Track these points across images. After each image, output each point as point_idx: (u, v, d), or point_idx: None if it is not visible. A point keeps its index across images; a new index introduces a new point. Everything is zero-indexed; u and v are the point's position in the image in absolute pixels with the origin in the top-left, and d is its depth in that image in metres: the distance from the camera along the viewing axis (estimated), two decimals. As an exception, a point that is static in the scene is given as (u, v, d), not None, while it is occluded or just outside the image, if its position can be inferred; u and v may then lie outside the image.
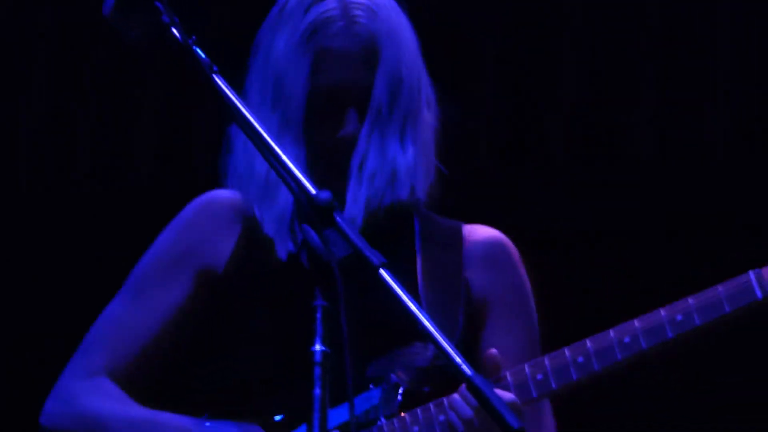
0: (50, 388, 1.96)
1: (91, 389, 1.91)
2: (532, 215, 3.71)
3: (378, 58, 1.91)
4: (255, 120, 1.49)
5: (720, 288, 1.83)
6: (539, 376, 1.83)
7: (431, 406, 1.83)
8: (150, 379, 1.94)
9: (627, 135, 4.21)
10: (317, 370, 1.44)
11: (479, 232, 2.04)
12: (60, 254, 4.95)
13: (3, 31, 5.10)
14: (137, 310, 1.94)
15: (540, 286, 2.04)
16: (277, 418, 1.83)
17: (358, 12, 1.91)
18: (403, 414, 1.82)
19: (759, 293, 1.82)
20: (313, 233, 1.52)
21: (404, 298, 1.42)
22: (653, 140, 4.20)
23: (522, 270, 2.02)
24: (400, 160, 1.91)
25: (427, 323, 1.41)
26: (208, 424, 1.84)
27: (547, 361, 1.84)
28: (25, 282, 4.99)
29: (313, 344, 1.44)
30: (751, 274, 1.82)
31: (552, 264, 2.37)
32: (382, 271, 1.42)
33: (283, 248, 1.84)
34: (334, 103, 1.92)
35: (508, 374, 1.81)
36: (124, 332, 1.93)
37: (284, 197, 1.84)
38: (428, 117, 1.99)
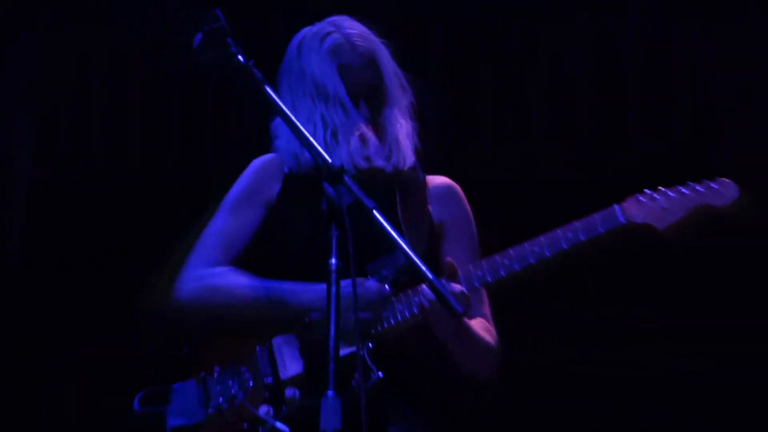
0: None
1: (216, 272, 2.75)
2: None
3: (379, 65, 2.82)
4: (293, 116, 2.32)
5: (596, 215, 2.66)
6: (479, 273, 2.66)
7: (409, 291, 2.66)
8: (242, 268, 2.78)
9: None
10: (332, 276, 2.25)
11: (437, 180, 2.95)
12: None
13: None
14: (234, 223, 2.82)
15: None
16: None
17: (356, 39, 2.82)
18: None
19: (622, 218, 2.65)
20: (329, 187, 2.29)
21: (388, 229, 2.24)
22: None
23: (466, 204, 2.93)
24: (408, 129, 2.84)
25: (403, 245, 2.23)
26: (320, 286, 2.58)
27: (484, 263, 2.67)
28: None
29: (330, 258, 2.25)
30: (616, 206, 2.66)
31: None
32: (374, 212, 2.23)
33: (309, 197, 2.67)
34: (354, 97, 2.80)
35: (459, 272, 2.64)
36: (229, 236, 2.80)
37: (309, 163, 2.68)
38: (406, 99, 2.86)
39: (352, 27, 2.84)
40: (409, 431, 2.70)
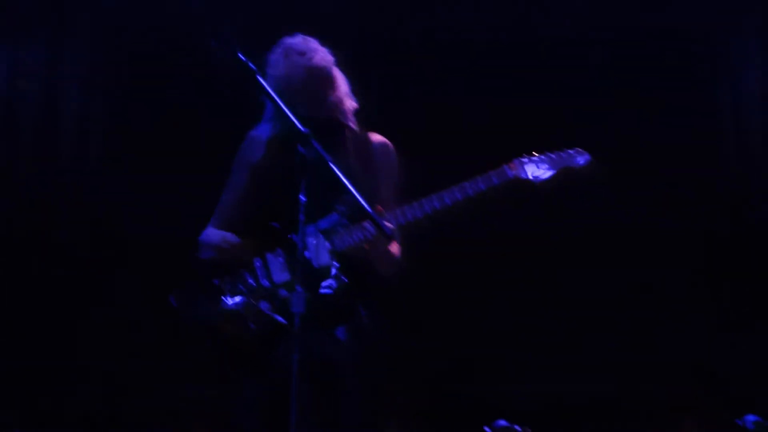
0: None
1: (214, 232, 3.87)
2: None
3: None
4: (276, 97, 3.34)
5: (492, 172, 3.66)
6: (402, 212, 3.64)
7: (363, 224, 3.59)
8: (238, 226, 3.82)
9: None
10: (301, 208, 3.23)
11: (376, 136, 3.91)
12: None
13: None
14: (229, 195, 3.90)
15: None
16: (277, 225, 3.64)
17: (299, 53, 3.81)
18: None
19: (510, 174, 3.67)
20: (301, 148, 3.24)
21: (343, 179, 3.25)
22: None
23: (395, 158, 3.89)
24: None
25: (352, 189, 3.24)
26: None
27: (406, 208, 3.64)
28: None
29: (298, 197, 3.22)
30: (505, 166, 3.68)
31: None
32: (330, 165, 3.24)
33: (284, 152, 3.67)
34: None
35: (389, 214, 3.62)
36: (226, 206, 3.90)
37: (285, 129, 3.68)
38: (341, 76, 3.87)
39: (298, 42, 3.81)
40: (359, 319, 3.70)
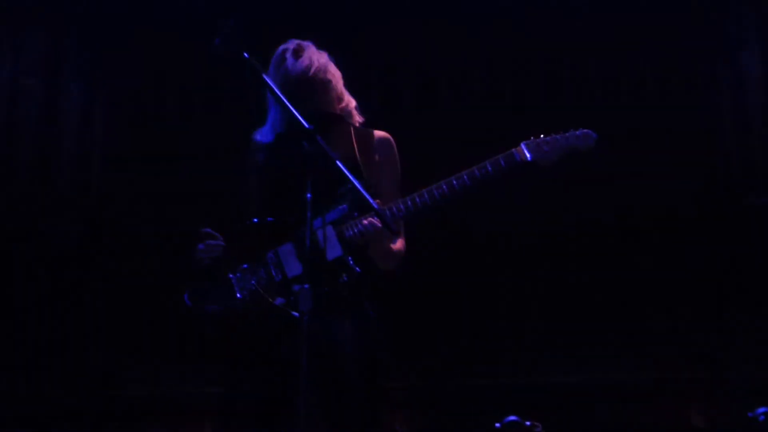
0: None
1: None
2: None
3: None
4: (280, 94, 3.32)
5: (500, 156, 3.66)
6: (403, 205, 3.64)
7: (368, 216, 3.61)
8: (249, 216, 3.80)
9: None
10: (308, 205, 3.22)
11: (379, 132, 3.92)
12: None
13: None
14: (241, 199, 3.89)
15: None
16: (270, 219, 3.68)
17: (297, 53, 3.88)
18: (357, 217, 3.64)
19: (518, 158, 3.67)
20: (305, 143, 3.25)
21: (348, 174, 3.25)
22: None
23: (396, 151, 3.90)
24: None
25: (357, 184, 3.23)
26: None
27: (415, 195, 3.64)
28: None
29: (305, 193, 3.23)
30: (513, 150, 3.67)
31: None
32: (337, 162, 3.23)
33: (289, 150, 3.66)
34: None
35: (395, 204, 3.65)
36: (240, 198, 3.88)
37: (291, 126, 3.68)
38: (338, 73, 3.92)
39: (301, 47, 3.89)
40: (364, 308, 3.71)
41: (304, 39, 3.92)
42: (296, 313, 3.51)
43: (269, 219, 3.72)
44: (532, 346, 6.23)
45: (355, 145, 3.80)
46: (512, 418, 5.27)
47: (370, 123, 3.94)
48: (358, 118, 3.93)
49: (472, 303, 6.31)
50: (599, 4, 6.51)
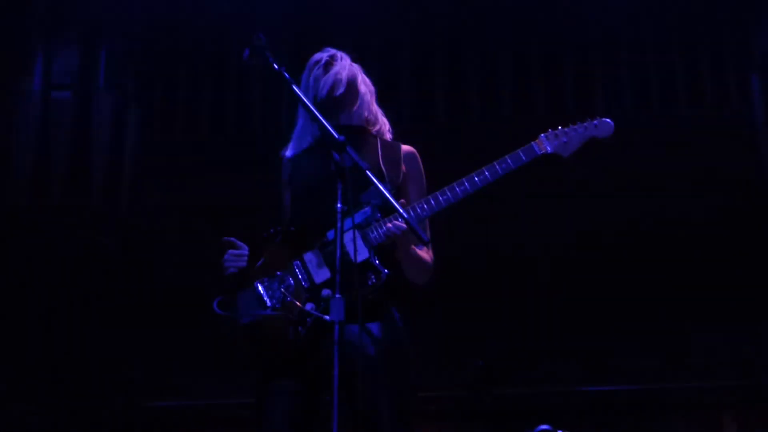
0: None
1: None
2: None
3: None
4: (311, 106, 3.34)
5: (520, 150, 3.68)
6: (426, 204, 3.67)
7: (392, 218, 3.63)
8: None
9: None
10: (339, 215, 3.25)
11: (405, 146, 3.95)
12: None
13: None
14: (283, 214, 3.91)
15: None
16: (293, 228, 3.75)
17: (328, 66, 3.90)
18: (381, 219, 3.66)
19: (538, 151, 3.69)
20: (336, 154, 3.29)
21: (377, 183, 3.27)
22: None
23: (421, 164, 3.91)
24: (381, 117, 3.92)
25: (388, 195, 3.25)
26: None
27: (438, 193, 3.66)
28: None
29: (336, 204, 3.26)
30: (533, 143, 3.69)
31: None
32: (367, 172, 3.26)
33: (322, 161, 3.69)
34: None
35: (416, 205, 3.67)
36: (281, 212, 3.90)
37: (321, 138, 3.71)
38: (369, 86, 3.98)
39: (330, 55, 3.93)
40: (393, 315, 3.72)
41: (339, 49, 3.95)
42: (328, 317, 3.54)
43: (291, 228, 3.75)
44: (565, 355, 6.21)
45: (380, 156, 3.84)
46: (544, 426, 5.25)
47: (397, 135, 4.00)
48: (388, 136, 3.98)
49: (507, 311, 6.31)
50: (632, 13, 6.51)
